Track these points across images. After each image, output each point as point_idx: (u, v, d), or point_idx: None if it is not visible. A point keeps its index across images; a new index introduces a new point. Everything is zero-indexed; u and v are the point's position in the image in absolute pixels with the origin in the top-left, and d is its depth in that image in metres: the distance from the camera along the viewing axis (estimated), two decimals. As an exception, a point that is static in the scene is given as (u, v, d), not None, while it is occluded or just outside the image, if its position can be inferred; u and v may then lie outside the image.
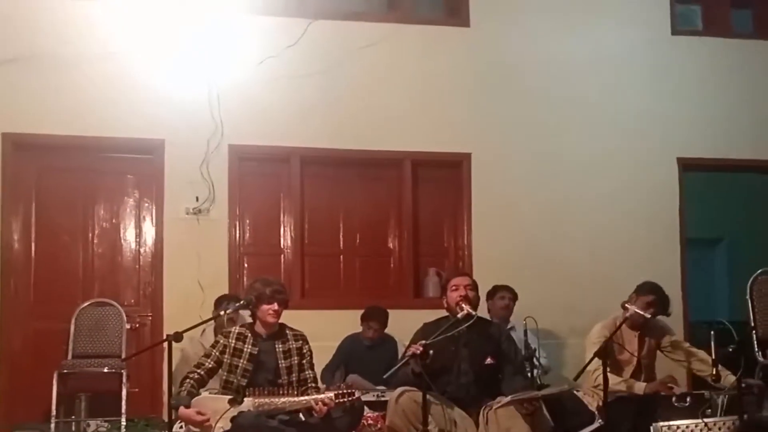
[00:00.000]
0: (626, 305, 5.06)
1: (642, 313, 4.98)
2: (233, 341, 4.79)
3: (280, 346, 4.82)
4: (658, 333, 5.21)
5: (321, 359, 5.20)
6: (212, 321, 5.88)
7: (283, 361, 4.79)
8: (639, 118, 7.39)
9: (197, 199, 6.63)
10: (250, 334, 4.82)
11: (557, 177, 7.20)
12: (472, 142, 7.14)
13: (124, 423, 5.82)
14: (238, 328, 4.89)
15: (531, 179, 7.16)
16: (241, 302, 4.99)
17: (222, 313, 5.42)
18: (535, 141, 7.21)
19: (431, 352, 4.54)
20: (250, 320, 4.93)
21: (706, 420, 4.50)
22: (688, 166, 7.47)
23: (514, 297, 6.31)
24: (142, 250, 6.81)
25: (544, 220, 7.11)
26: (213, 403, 4.58)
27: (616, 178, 7.26)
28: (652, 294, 5.10)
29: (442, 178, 7.30)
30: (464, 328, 4.68)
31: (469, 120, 7.15)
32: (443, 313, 4.93)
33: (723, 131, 7.50)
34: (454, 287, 4.84)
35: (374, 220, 7.20)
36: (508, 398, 4.45)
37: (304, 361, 4.84)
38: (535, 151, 7.19)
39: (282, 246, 7.01)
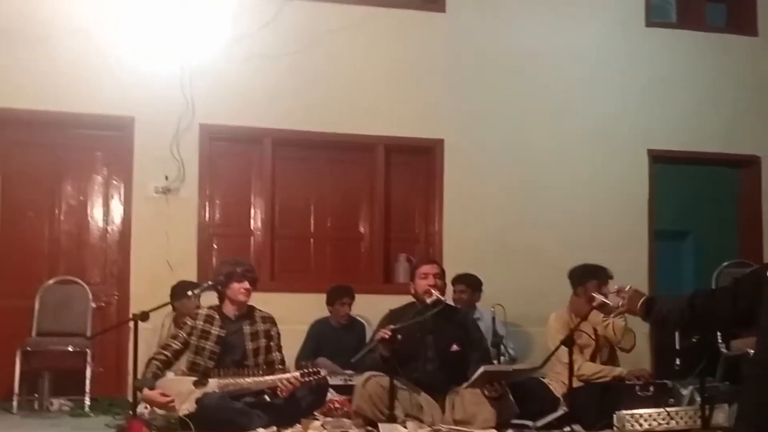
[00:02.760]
0: (594, 294, 5.10)
1: (610, 303, 5.02)
2: (201, 323, 4.76)
3: (248, 327, 4.80)
4: (608, 310, 5.22)
5: (289, 343, 5.17)
6: (172, 312, 5.87)
7: (250, 343, 4.77)
8: (611, 109, 7.43)
9: (167, 178, 6.56)
10: (217, 316, 4.80)
11: (529, 165, 7.22)
12: (445, 129, 7.14)
13: (88, 402, 5.77)
14: (205, 309, 4.86)
15: (503, 167, 7.18)
16: (209, 283, 4.96)
17: (190, 293, 5.36)
18: (508, 129, 7.22)
19: (399, 337, 4.56)
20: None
21: (669, 409, 4.55)
22: (658, 158, 7.53)
23: (472, 288, 6.28)
24: (109, 228, 6.73)
25: (515, 208, 7.14)
26: (177, 384, 4.56)
27: (587, 167, 7.30)
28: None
29: (415, 164, 7.29)
30: (431, 315, 4.71)
31: (443, 106, 7.14)
32: (412, 299, 4.94)
33: (694, 124, 7.57)
34: (423, 275, 4.85)
35: (346, 204, 7.18)
36: (481, 369, 4.48)
37: (272, 344, 4.83)
38: (507, 139, 7.21)
39: (252, 227, 6.97)
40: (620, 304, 3.17)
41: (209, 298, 5.05)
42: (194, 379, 4.57)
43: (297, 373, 4.59)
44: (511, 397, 4.63)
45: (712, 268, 5.89)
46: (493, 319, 5.87)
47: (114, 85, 6.50)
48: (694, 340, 4.73)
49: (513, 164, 7.19)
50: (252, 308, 4.89)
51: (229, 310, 4.82)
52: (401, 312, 4.83)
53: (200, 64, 6.64)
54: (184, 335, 4.74)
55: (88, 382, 5.85)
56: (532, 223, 7.12)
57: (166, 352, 4.71)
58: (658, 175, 7.53)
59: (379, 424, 4.35)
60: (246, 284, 4.77)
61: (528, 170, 7.21)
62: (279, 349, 4.87)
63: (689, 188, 9.29)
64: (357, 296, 6.33)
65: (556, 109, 7.33)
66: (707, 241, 9.47)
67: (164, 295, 5.88)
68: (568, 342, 4.74)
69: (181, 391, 4.48)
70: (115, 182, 6.73)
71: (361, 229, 7.20)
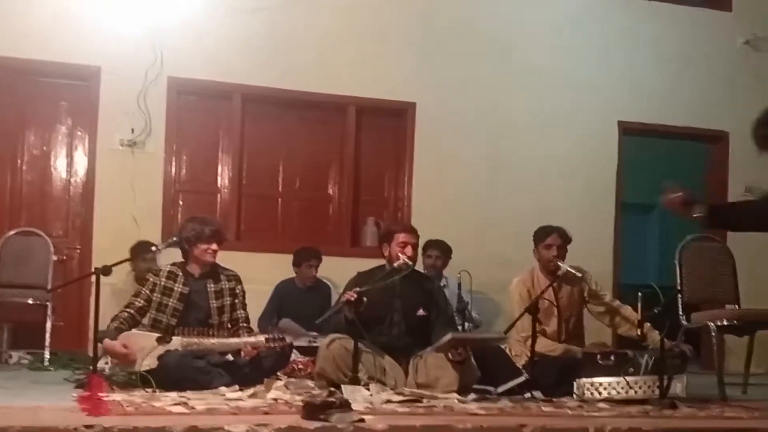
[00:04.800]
0: (560, 263, 5.14)
1: (572, 271, 5.07)
2: (163, 279, 4.71)
3: (212, 286, 4.77)
4: (576, 281, 5.26)
5: (253, 303, 5.14)
6: (132, 270, 5.84)
7: (214, 302, 4.74)
8: (584, 80, 7.43)
9: (132, 130, 6.44)
10: (181, 273, 4.75)
11: (499, 133, 7.21)
12: (418, 93, 7.09)
13: (47, 356, 5.70)
14: (168, 266, 4.81)
15: (473, 134, 7.16)
16: (174, 239, 4.90)
17: (154, 248, 5.30)
18: (481, 97, 7.20)
19: (365, 299, 4.55)
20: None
21: (628, 378, 4.61)
22: (628, 131, 7.57)
23: (445, 254, 6.30)
24: (73, 180, 6.60)
25: (484, 175, 7.14)
26: (141, 339, 4.52)
27: (558, 137, 7.32)
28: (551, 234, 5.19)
29: (386, 127, 7.25)
30: (399, 280, 4.70)
31: (416, 70, 7.08)
32: (380, 262, 4.92)
33: (665, 98, 7.60)
34: (402, 243, 4.81)
35: (315, 164, 7.12)
36: (449, 336, 4.50)
37: (237, 301, 4.80)
38: (479, 107, 7.19)
39: (219, 185, 6.88)
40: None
41: (173, 255, 4.99)
42: (157, 335, 4.53)
43: (262, 338, 4.58)
44: (473, 362, 4.66)
45: (676, 242, 5.94)
46: (459, 285, 5.88)
47: (81, 34, 6.35)
48: (656, 311, 4.77)
49: (484, 132, 7.18)
50: (216, 266, 4.84)
51: (194, 267, 4.77)
52: (369, 275, 4.81)
53: (171, 15, 6.50)
54: (147, 292, 4.69)
55: (48, 335, 5.78)
56: (501, 191, 7.14)
57: (129, 310, 4.66)
58: (627, 148, 7.57)
59: (342, 386, 4.35)
60: (214, 245, 4.72)
61: (498, 138, 7.20)
62: (243, 307, 4.84)
63: (657, 162, 9.35)
64: (324, 258, 6.30)
65: (529, 80, 7.31)
66: (673, 216, 9.56)
67: (127, 250, 5.82)
68: (532, 310, 4.78)
69: (143, 347, 4.44)
70: (79, 133, 6.60)
71: (330, 191, 7.15)
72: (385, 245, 4.90)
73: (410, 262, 4.76)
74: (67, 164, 6.60)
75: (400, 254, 4.75)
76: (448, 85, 7.14)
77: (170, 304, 4.67)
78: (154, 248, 5.27)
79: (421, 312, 4.82)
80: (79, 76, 6.49)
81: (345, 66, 6.93)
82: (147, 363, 4.36)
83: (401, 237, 4.84)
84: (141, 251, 5.75)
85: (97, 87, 6.44)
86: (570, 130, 7.35)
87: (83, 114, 6.54)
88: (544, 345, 5.00)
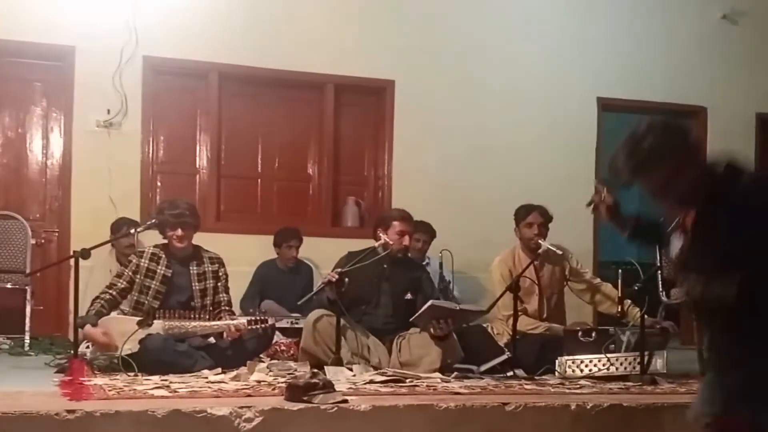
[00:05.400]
0: (540, 242, 5.15)
1: (553, 249, 5.08)
2: (146, 261, 4.68)
3: (195, 268, 4.74)
4: (558, 259, 5.29)
5: (234, 284, 5.10)
6: (112, 249, 5.79)
7: (197, 284, 4.72)
8: (563, 56, 7.42)
9: (108, 111, 6.35)
10: (164, 255, 4.72)
11: (479, 111, 7.19)
12: (397, 70, 7.04)
13: (27, 340, 5.64)
14: (151, 248, 4.79)
15: (453, 111, 7.13)
16: (150, 222, 4.87)
17: (132, 231, 5.26)
18: (460, 73, 7.16)
19: (347, 280, 4.56)
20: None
21: (609, 355, 4.65)
22: (607, 107, 7.57)
23: (431, 236, 6.29)
24: (49, 163, 6.51)
25: (464, 153, 7.12)
26: (121, 324, 4.49)
27: (537, 114, 7.31)
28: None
29: (365, 105, 7.20)
30: (388, 264, 4.74)
31: (395, 47, 7.03)
32: (361, 242, 4.94)
33: (643, 73, 7.58)
34: (399, 231, 4.83)
35: (294, 144, 7.06)
36: (429, 303, 4.54)
37: (219, 284, 4.78)
38: (458, 84, 7.15)
39: (197, 166, 6.82)
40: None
41: (155, 237, 4.96)
42: (138, 318, 4.50)
43: (244, 320, 4.57)
44: (456, 340, 4.68)
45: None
46: (441, 264, 5.89)
47: (54, 13, 6.24)
48: (636, 287, 4.80)
49: (463, 109, 7.15)
50: (199, 248, 4.82)
51: (176, 250, 4.74)
52: (360, 255, 4.81)
53: (145, -6, 6.39)
54: (130, 273, 4.67)
55: (27, 320, 5.71)
56: (481, 169, 7.12)
57: (111, 291, 4.63)
58: (606, 123, 7.58)
59: (325, 367, 4.36)
60: (179, 231, 4.68)
61: (478, 115, 7.18)
62: (226, 290, 4.82)
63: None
64: (304, 239, 6.28)
65: (508, 56, 7.28)
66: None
67: (106, 233, 5.77)
68: (513, 288, 4.80)
69: (124, 331, 4.41)
70: (54, 114, 6.50)
71: (310, 171, 7.11)
72: (380, 230, 4.90)
73: (407, 253, 4.84)
74: (43, 146, 6.50)
75: (403, 246, 4.85)
76: (427, 62, 7.10)
77: (153, 286, 4.64)
78: (131, 231, 5.22)
79: (408, 296, 4.87)
80: (52, 56, 6.38)
81: (323, 44, 6.86)
82: (128, 347, 4.34)
83: (399, 226, 4.87)
84: (121, 228, 5.71)
85: (71, 67, 6.33)
86: (549, 107, 7.34)
87: (58, 95, 6.44)
88: (525, 323, 5.03)
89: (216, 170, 6.78)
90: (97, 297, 4.62)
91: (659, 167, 2.34)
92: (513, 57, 7.29)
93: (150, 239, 5.11)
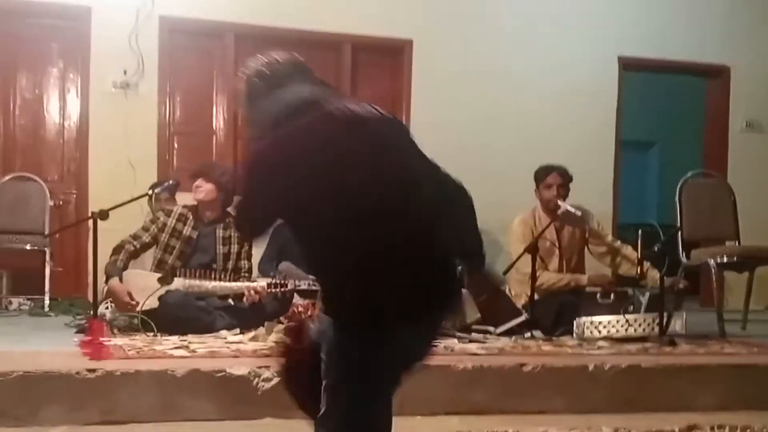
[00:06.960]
0: (559, 203, 5.11)
1: (572, 210, 5.04)
2: (173, 221, 4.71)
3: (221, 231, 4.76)
4: (578, 221, 5.24)
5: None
6: (150, 212, 5.75)
7: (221, 247, 4.74)
8: (584, 14, 7.29)
9: (125, 72, 6.32)
10: (191, 217, 4.73)
11: (498, 71, 7.08)
12: (415, 29, 6.94)
13: (47, 302, 5.70)
14: (180, 208, 4.81)
15: (471, 72, 7.03)
16: (170, 182, 4.88)
17: (150, 192, 5.25)
18: (478, 34, 7.04)
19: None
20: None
21: (627, 316, 4.63)
22: (628, 66, 7.44)
23: None
24: (66, 124, 6.51)
25: (483, 113, 7.03)
26: (142, 280, 4.54)
27: (557, 74, 7.19)
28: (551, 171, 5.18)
29: (383, 65, 7.12)
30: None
31: (413, 6, 6.93)
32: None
33: (665, 32, 7.43)
34: None
35: (311, 104, 7.00)
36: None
37: (243, 250, 4.80)
38: (477, 44, 7.04)
39: (214, 127, 6.79)
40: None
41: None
42: (159, 275, 4.54)
43: (263, 283, 4.58)
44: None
45: (676, 179, 5.91)
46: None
47: (69, -28, 6.19)
48: (655, 249, 4.76)
49: (481, 70, 7.04)
50: (228, 213, 4.81)
51: (204, 212, 4.75)
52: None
53: (160, -48, 6.32)
54: (156, 230, 4.70)
55: (47, 281, 5.76)
56: (500, 130, 7.04)
57: (135, 243, 4.68)
58: (627, 84, 7.47)
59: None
60: (198, 181, 4.70)
61: (496, 76, 7.07)
62: (249, 257, 4.85)
63: (658, 98, 9.26)
64: (322, 199, 6.24)
65: (528, 15, 7.16)
66: (673, 152, 9.52)
67: (124, 194, 5.74)
68: (532, 249, 4.77)
69: (145, 287, 4.45)
70: (71, 76, 6.48)
71: (327, 131, 7.05)
72: None
73: None
74: (60, 107, 6.50)
75: None
76: (446, 22, 6.99)
77: (177, 246, 4.67)
78: (150, 191, 5.22)
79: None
80: (69, 15, 6.34)
81: (340, 3, 6.77)
82: (148, 303, 4.37)
83: None
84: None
85: (87, 27, 6.29)
86: (569, 66, 7.22)
87: (75, 56, 6.41)
88: (548, 277, 5.00)
89: (233, 131, 6.75)
90: (120, 246, 4.64)
91: None
92: (532, 17, 7.17)
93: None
